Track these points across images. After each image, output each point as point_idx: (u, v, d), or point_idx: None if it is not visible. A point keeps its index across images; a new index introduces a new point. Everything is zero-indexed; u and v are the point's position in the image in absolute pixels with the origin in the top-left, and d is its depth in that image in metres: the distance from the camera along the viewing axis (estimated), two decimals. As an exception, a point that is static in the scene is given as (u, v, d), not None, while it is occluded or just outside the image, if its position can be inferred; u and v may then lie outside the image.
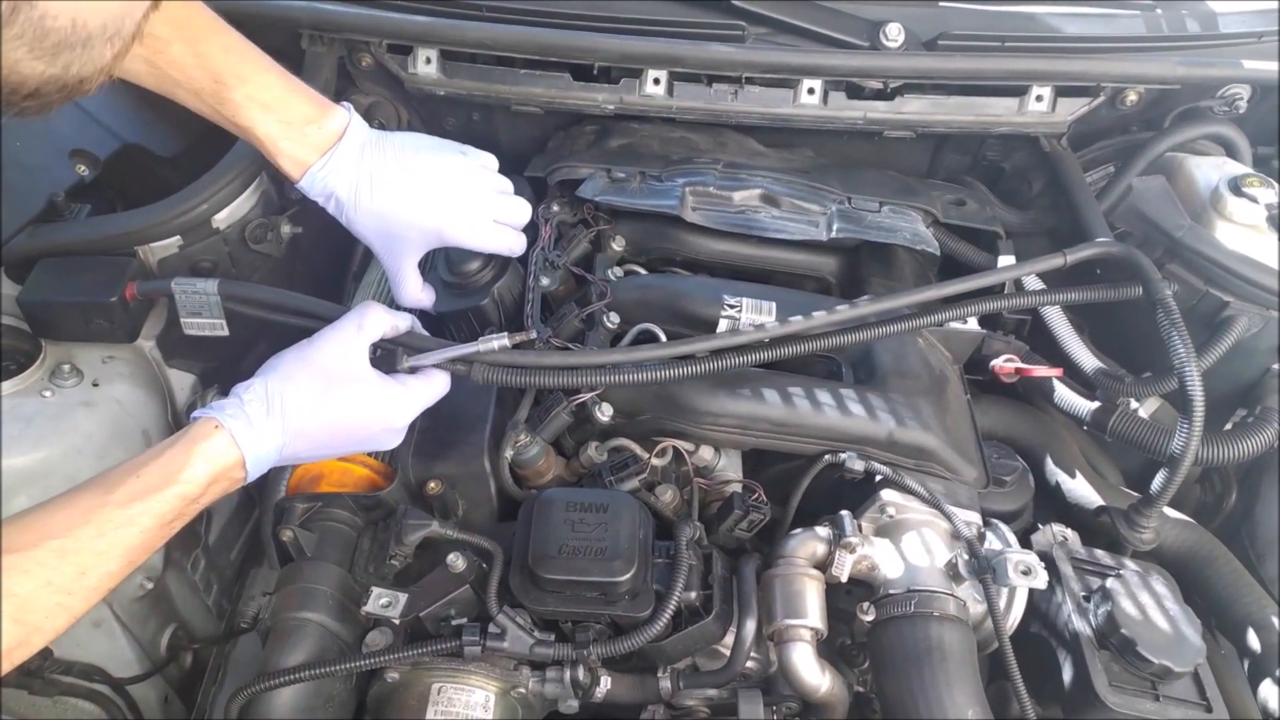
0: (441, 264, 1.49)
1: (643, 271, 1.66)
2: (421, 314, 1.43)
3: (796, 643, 1.21)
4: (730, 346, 1.36)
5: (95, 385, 1.41)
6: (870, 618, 1.25)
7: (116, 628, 1.47)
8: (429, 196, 1.33)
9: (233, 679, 1.54)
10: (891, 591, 1.25)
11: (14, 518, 0.96)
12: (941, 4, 1.81)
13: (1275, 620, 1.41)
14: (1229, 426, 1.59)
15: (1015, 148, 1.88)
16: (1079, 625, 1.28)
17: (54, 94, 0.73)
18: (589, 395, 1.37)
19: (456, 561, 1.21)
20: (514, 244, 1.44)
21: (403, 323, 1.28)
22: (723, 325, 1.45)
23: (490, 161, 1.44)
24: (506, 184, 1.44)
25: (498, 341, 1.25)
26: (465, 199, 1.37)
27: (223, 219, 1.48)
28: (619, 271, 1.61)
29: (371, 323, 1.23)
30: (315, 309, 1.39)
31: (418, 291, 1.44)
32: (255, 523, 1.80)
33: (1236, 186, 1.58)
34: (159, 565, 1.50)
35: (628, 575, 1.16)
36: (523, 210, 1.43)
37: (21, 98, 0.72)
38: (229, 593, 1.72)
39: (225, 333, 1.42)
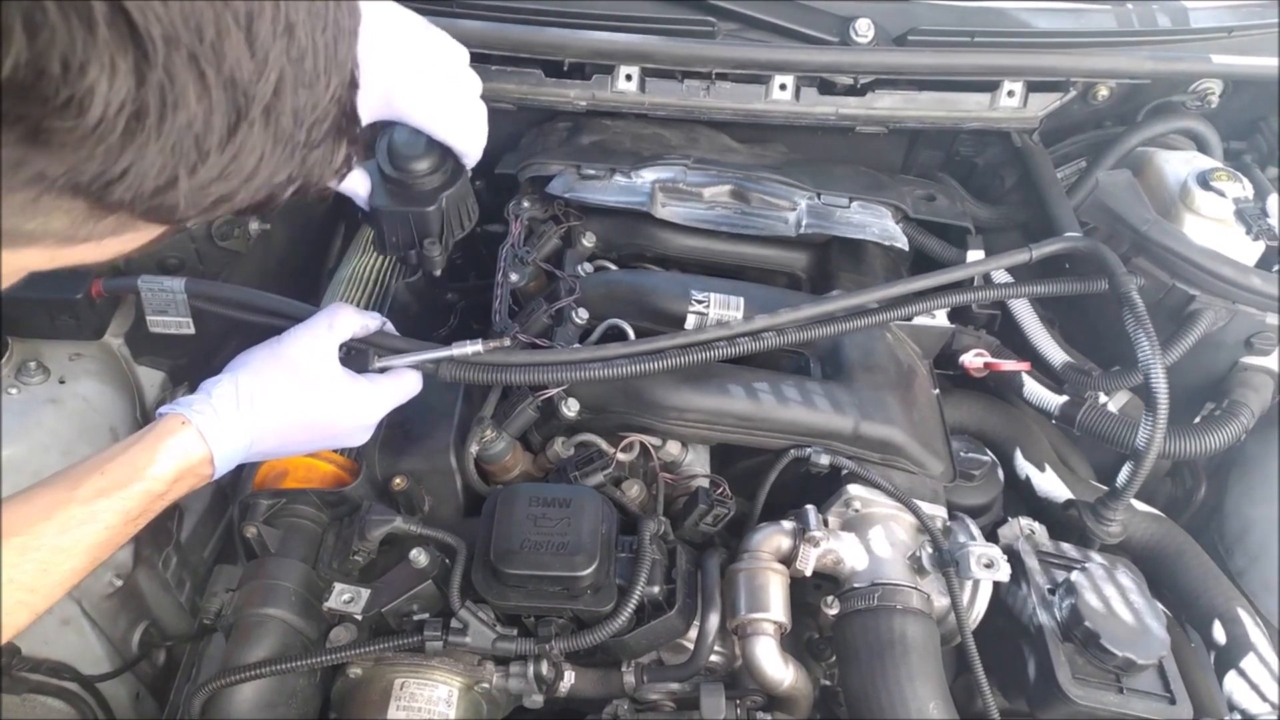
0: (384, 154, 1.30)
1: (613, 267, 1.66)
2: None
3: (760, 636, 1.21)
4: (697, 343, 1.35)
5: (62, 382, 1.41)
6: (835, 611, 1.25)
7: (86, 625, 1.47)
8: (382, 49, 1.12)
9: (206, 676, 1.54)
10: (856, 585, 1.26)
11: None
12: (911, -1, 1.81)
13: (1242, 613, 1.42)
14: (1198, 420, 1.60)
15: (988, 143, 1.88)
16: (1043, 618, 1.29)
17: None
18: (555, 391, 1.37)
19: (419, 557, 1.21)
20: (472, 139, 1.25)
21: (373, 323, 1.27)
22: (691, 321, 1.46)
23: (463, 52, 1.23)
24: (476, 80, 1.25)
25: (471, 347, 1.26)
26: (426, 62, 1.16)
27: (189, 215, 1.48)
28: (589, 268, 1.61)
29: (342, 322, 1.22)
30: (283, 308, 1.38)
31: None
32: (228, 520, 1.80)
33: (1205, 181, 1.59)
34: (129, 563, 1.50)
35: (589, 570, 1.16)
36: (482, 112, 1.25)
37: None
38: (202, 590, 1.71)
39: (191, 331, 1.42)
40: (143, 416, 1.52)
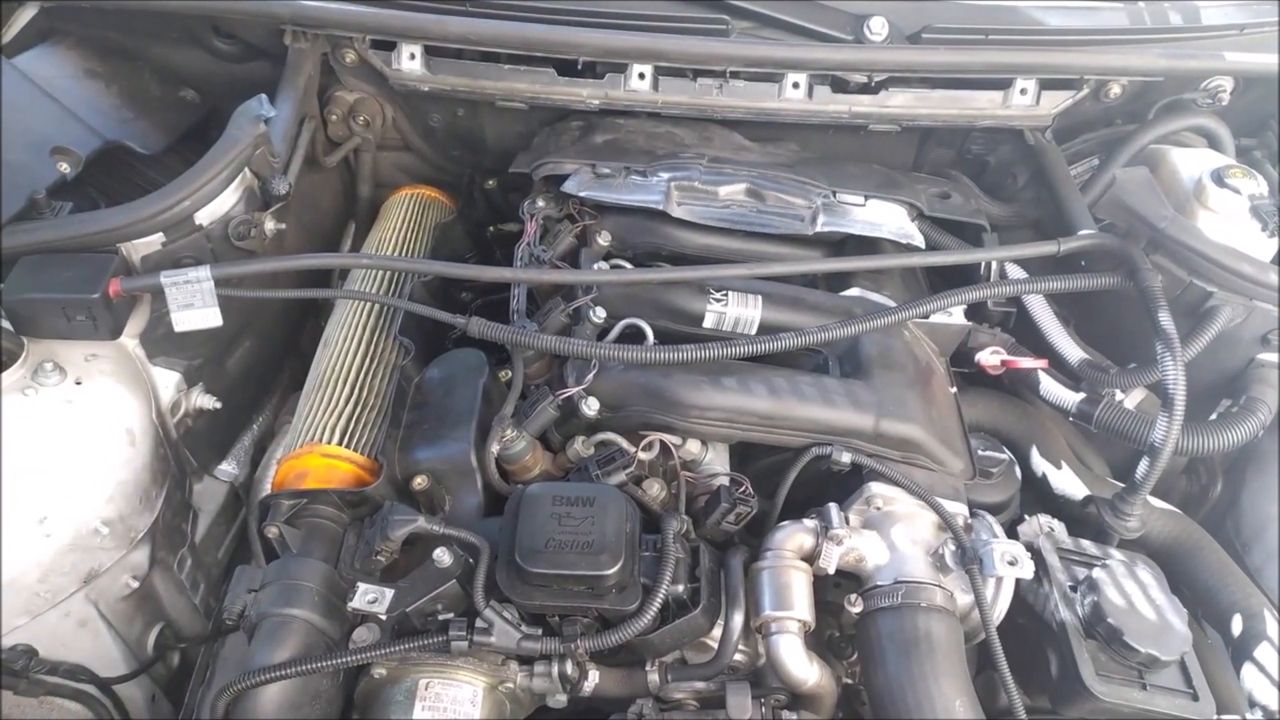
0: None
1: (628, 266, 1.65)
2: None
3: (784, 635, 1.21)
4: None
5: (78, 384, 1.40)
6: (858, 609, 1.25)
7: (102, 627, 1.46)
8: None
9: (221, 678, 1.52)
10: (879, 583, 1.26)
11: None
12: (925, -3, 1.81)
13: (1261, 609, 1.42)
14: (1214, 416, 1.60)
15: (1000, 141, 1.89)
16: (1065, 615, 1.29)
17: None
18: (575, 390, 1.37)
19: (443, 557, 1.20)
20: None
21: None
22: (710, 318, 1.46)
23: None
24: None
25: None
26: None
27: (205, 216, 1.47)
28: (605, 266, 1.60)
29: None
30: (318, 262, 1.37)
31: None
32: (242, 521, 1.79)
33: (1219, 177, 1.59)
34: (144, 565, 1.49)
35: (615, 569, 1.16)
36: None
37: None
38: (217, 591, 1.71)
39: (219, 322, 1.40)
40: (158, 417, 1.51)
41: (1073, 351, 1.55)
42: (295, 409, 1.56)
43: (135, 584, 1.48)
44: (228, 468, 1.77)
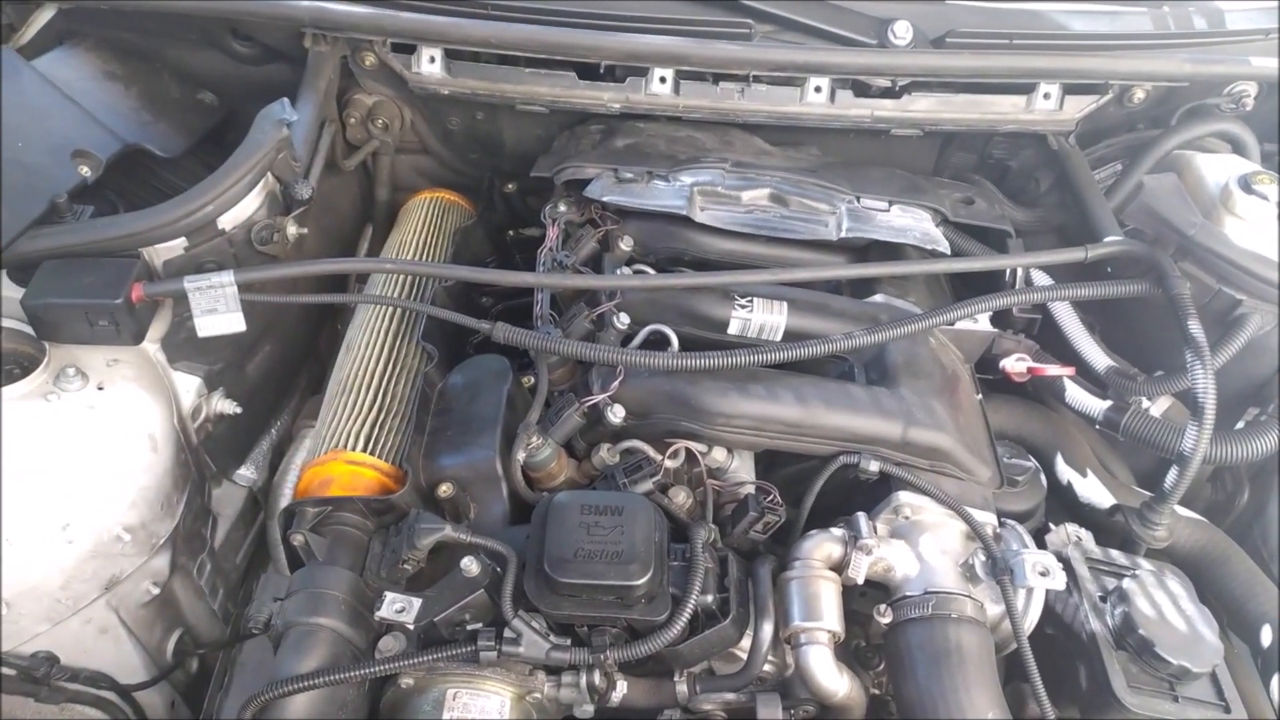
0: None
1: (651, 271, 1.64)
2: None
3: (814, 645, 1.20)
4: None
5: (100, 389, 1.39)
6: (887, 620, 1.24)
7: (123, 634, 1.45)
8: None
9: (239, 683, 1.53)
10: (908, 593, 1.24)
11: None
12: (949, 2, 1.80)
13: (1290, 619, 1.41)
14: (1241, 425, 1.59)
15: (1022, 146, 1.88)
16: (1096, 626, 1.28)
17: None
18: (601, 397, 1.36)
19: (471, 566, 1.19)
20: None
21: None
22: (734, 325, 1.45)
23: None
24: None
25: None
26: None
27: (228, 220, 1.46)
28: (627, 271, 1.59)
29: None
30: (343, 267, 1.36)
31: None
32: (260, 525, 1.78)
33: (1247, 184, 1.58)
34: (165, 571, 1.48)
35: (644, 579, 1.15)
36: None
37: None
38: (235, 597, 1.70)
39: (243, 327, 1.40)
40: (179, 422, 1.50)
41: (1099, 359, 1.54)
42: (313, 413, 1.55)
43: (156, 590, 1.47)
44: (246, 472, 1.76)
